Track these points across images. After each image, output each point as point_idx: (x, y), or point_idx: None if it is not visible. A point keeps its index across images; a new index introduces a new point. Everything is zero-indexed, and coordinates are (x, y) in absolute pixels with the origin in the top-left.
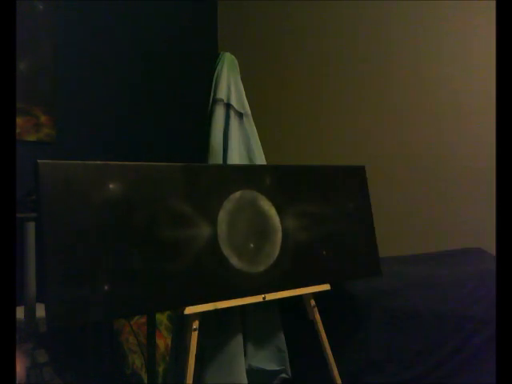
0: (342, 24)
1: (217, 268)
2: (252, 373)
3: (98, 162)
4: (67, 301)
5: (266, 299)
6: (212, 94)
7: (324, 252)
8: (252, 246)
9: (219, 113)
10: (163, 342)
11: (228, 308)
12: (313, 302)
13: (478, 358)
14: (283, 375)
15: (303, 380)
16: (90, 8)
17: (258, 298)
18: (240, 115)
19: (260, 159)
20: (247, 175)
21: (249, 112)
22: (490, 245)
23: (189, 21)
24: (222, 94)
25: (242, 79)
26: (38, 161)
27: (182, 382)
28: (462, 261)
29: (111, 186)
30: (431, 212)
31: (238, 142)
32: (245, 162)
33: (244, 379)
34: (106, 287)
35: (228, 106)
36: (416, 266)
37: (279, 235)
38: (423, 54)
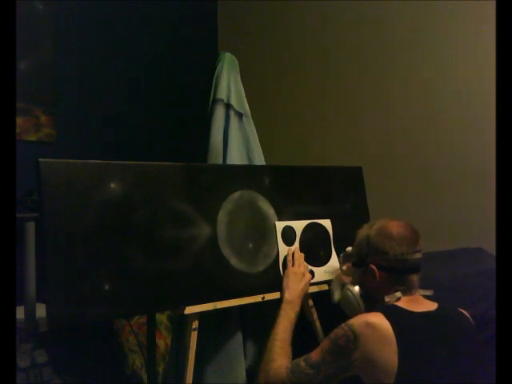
0: (342, 24)
1: (216, 268)
2: (252, 373)
3: (99, 161)
4: (67, 301)
5: (265, 299)
6: (212, 94)
7: (322, 252)
8: (251, 246)
9: (219, 113)
10: (163, 342)
11: (227, 308)
12: (311, 302)
13: (478, 357)
14: None
15: None
16: (90, 8)
17: (257, 298)
18: (240, 115)
19: (259, 159)
20: (246, 175)
21: (248, 112)
22: (490, 245)
23: (189, 21)
24: (222, 94)
25: (242, 79)
26: (39, 159)
27: (182, 382)
28: (462, 261)
29: (112, 185)
30: (431, 212)
31: (238, 142)
32: (244, 162)
33: (244, 379)
34: (106, 287)
35: (228, 106)
36: None
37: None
38: (424, 55)
